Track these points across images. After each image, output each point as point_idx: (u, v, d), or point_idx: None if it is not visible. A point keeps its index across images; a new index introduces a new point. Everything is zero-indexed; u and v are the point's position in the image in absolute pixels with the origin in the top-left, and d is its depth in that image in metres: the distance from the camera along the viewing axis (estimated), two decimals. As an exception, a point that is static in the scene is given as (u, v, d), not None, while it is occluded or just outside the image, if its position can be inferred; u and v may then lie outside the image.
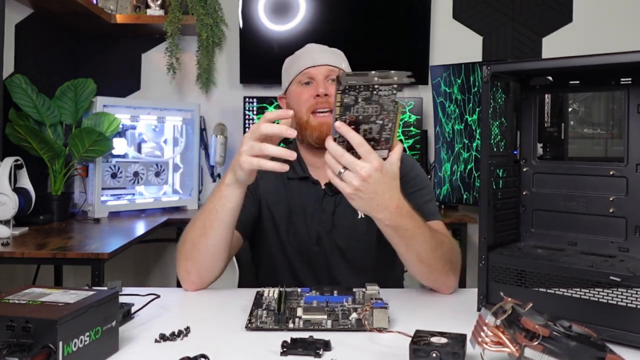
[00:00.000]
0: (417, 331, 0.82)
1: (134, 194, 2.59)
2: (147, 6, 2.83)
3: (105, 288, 1.04)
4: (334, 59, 1.40)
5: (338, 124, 0.93)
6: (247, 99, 2.85)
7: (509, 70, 1.03)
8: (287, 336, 0.86)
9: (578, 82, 1.03)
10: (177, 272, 1.24)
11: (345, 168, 0.96)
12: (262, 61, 2.94)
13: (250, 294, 1.11)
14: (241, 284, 1.64)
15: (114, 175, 2.47)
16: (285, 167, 1.05)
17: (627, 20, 3.01)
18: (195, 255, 1.19)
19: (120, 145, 2.50)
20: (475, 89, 2.58)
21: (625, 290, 0.85)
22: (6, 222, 1.92)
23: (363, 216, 1.36)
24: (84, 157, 2.29)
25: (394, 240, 1.10)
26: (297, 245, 1.37)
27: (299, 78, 1.38)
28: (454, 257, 1.20)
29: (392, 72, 0.89)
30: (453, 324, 0.90)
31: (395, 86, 0.91)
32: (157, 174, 2.63)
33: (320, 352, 0.83)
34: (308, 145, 1.38)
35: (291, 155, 1.04)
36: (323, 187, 1.38)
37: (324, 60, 1.37)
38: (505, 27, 3.05)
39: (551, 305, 0.91)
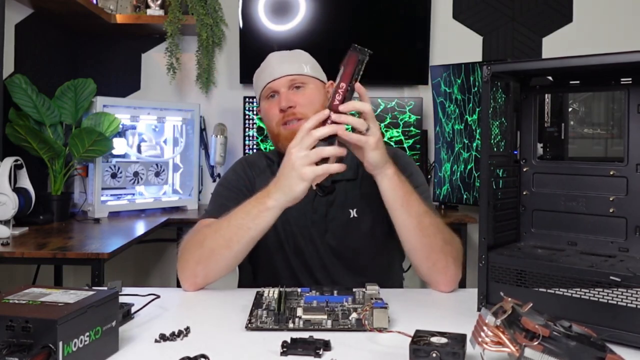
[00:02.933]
0: (417, 331, 0.82)
1: (134, 194, 2.59)
2: (147, 6, 2.83)
3: (105, 288, 1.04)
4: (294, 65, 1.38)
5: (362, 91, 1.15)
6: (247, 99, 2.85)
7: (509, 70, 1.03)
8: (287, 336, 0.86)
9: (578, 82, 1.03)
10: (179, 271, 1.23)
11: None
12: (262, 61, 2.92)
13: (250, 294, 1.11)
14: (241, 284, 1.64)
15: (114, 175, 2.48)
16: (343, 167, 1.13)
17: (627, 20, 3.01)
18: (211, 263, 1.20)
19: (120, 145, 2.50)
20: (475, 89, 2.58)
21: (625, 290, 0.85)
22: (6, 222, 1.92)
23: (356, 215, 1.36)
24: (84, 157, 2.29)
25: (396, 198, 1.17)
26: (294, 245, 1.37)
27: (264, 93, 1.39)
28: (454, 243, 1.24)
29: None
30: (453, 324, 0.90)
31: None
32: (157, 174, 2.63)
33: (320, 352, 0.83)
34: None
35: (342, 152, 1.12)
36: (314, 188, 1.38)
37: (283, 70, 1.36)
38: (505, 27, 3.05)
39: (551, 305, 0.91)
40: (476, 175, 2.57)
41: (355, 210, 1.36)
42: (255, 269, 1.50)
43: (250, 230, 1.17)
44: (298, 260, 1.37)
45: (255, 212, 1.16)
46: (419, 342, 0.79)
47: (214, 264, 1.20)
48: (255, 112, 2.83)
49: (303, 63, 1.39)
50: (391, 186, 1.17)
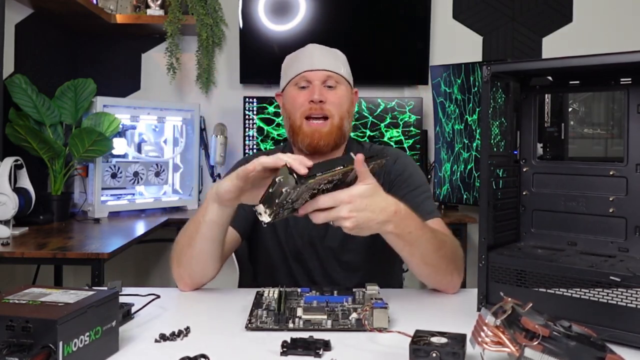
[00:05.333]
0: (417, 331, 0.82)
1: (134, 194, 2.59)
2: (147, 6, 2.83)
3: (105, 288, 1.04)
4: (333, 63, 1.36)
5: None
6: (247, 99, 2.85)
7: (509, 70, 1.03)
8: (287, 336, 0.86)
9: (578, 82, 1.03)
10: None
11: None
12: (262, 61, 2.94)
13: (250, 294, 1.11)
14: (241, 284, 1.64)
15: (114, 175, 2.47)
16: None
17: (627, 20, 3.01)
18: (184, 262, 1.19)
19: (120, 145, 2.50)
20: (475, 89, 2.58)
21: (625, 290, 0.85)
22: (6, 222, 1.92)
23: None
24: (84, 157, 2.29)
25: (398, 246, 1.09)
26: (293, 247, 1.37)
27: (296, 80, 1.35)
28: (457, 256, 1.19)
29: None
30: (453, 324, 0.90)
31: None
32: (157, 174, 2.63)
33: (320, 352, 0.83)
34: (300, 150, 1.37)
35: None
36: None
37: (323, 64, 1.34)
38: (505, 27, 3.05)
39: (551, 305, 0.91)
40: (476, 175, 2.57)
41: None
42: (255, 271, 1.50)
43: (202, 224, 1.14)
44: (297, 263, 1.37)
45: (204, 206, 1.15)
46: (419, 342, 0.79)
47: (188, 264, 1.19)
48: (255, 112, 2.83)
49: (341, 63, 1.38)
50: (393, 241, 1.09)
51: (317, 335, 0.87)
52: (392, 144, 2.78)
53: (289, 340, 0.85)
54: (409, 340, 0.79)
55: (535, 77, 1.07)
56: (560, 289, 0.92)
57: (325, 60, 1.35)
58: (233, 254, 1.67)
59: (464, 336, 0.80)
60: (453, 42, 3.03)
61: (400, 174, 1.36)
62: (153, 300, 1.08)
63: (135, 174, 2.55)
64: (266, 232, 1.38)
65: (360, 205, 0.98)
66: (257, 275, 1.49)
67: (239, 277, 1.67)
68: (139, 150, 2.61)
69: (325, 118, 1.32)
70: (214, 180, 2.94)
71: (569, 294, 0.91)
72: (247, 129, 2.85)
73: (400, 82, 3.04)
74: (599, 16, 3.02)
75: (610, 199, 0.99)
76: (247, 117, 2.85)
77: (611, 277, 0.86)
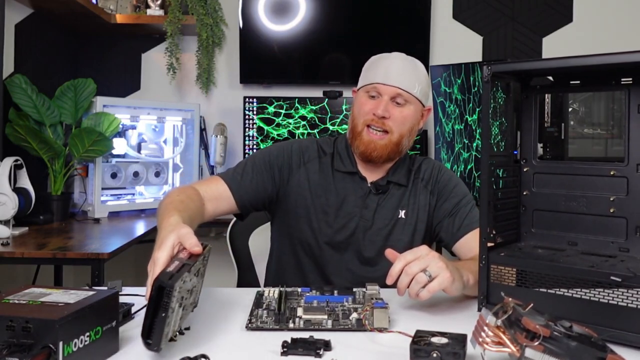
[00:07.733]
0: (418, 331, 0.82)
1: (134, 194, 2.59)
2: (147, 6, 2.83)
3: (105, 288, 1.04)
4: (408, 80, 1.38)
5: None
6: (247, 99, 2.85)
7: (509, 70, 1.03)
8: (288, 336, 0.86)
9: (578, 82, 1.03)
10: None
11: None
12: (262, 61, 2.93)
13: (250, 294, 1.11)
14: (241, 284, 1.64)
15: (114, 175, 2.47)
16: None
17: (627, 20, 3.01)
18: None
19: (120, 145, 2.50)
20: (475, 89, 2.58)
21: (625, 291, 0.85)
22: (6, 222, 1.92)
23: (404, 217, 1.40)
24: (84, 157, 2.29)
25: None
26: (330, 235, 1.38)
27: (368, 88, 1.39)
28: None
29: None
30: (453, 324, 0.90)
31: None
32: (157, 174, 2.63)
33: (321, 352, 0.83)
34: (355, 153, 1.42)
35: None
36: (369, 184, 1.41)
37: (397, 80, 1.37)
38: (505, 27, 3.05)
39: (552, 305, 0.91)
40: (476, 175, 2.57)
41: (403, 212, 1.41)
42: (281, 252, 1.48)
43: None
44: (331, 247, 1.39)
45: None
46: (420, 342, 0.79)
47: None
48: (255, 112, 2.83)
49: (417, 81, 1.39)
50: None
51: (318, 335, 0.87)
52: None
53: (289, 340, 0.85)
54: (410, 341, 0.79)
55: (536, 77, 1.07)
56: (561, 289, 0.92)
57: (401, 77, 1.37)
58: (232, 254, 1.67)
59: (464, 336, 0.80)
60: (453, 42, 3.03)
61: (446, 184, 1.43)
62: (153, 300, 1.07)
63: (135, 174, 2.55)
64: (300, 218, 1.40)
65: (422, 260, 1.04)
66: (283, 259, 1.47)
67: (238, 277, 1.67)
68: (139, 150, 2.61)
69: (385, 132, 1.37)
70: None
71: (570, 294, 0.91)
72: (247, 129, 2.85)
73: (400, 82, 3.03)
74: (599, 16, 3.01)
75: (611, 199, 0.99)
76: (247, 117, 2.85)
77: (612, 277, 0.86)
